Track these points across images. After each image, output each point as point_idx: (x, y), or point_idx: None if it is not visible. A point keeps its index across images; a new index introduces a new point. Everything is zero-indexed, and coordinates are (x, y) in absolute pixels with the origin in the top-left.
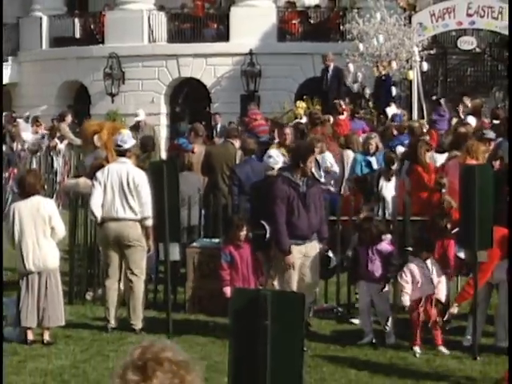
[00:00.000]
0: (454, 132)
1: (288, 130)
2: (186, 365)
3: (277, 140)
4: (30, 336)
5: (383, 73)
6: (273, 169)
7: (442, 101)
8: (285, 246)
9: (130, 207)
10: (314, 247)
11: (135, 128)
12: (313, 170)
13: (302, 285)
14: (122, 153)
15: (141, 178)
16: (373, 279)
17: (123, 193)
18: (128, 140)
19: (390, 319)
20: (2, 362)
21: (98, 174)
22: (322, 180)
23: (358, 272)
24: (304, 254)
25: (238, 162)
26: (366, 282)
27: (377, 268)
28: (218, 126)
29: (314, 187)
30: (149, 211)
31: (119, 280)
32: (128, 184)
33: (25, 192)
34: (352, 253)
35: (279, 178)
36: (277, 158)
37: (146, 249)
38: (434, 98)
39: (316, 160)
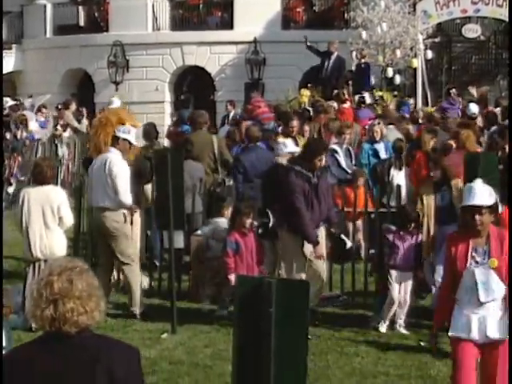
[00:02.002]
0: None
1: (295, 123)
2: (91, 294)
3: (280, 128)
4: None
5: (363, 60)
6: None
7: (453, 91)
8: (313, 237)
9: (108, 196)
10: (321, 232)
11: None
12: (341, 159)
13: (309, 272)
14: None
15: (118, 168)
16: (406, 268)
17: (101, 182)
18: (124, 131)
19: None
20: (1, 353)
21: (89, 168)
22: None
23: (393, 261)
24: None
25: (216, 148)
26: (399, 271)
27: (411, 256)
28: (231, 114)
29: (324, 178)
30: (126, 200)
31: (112, 268)
32: (105, 173)
33: (38, 179)
34: (383, 242)
35: (293, 172)
36: (290, 147)
37: (131, 235)
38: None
39: (348, 149)
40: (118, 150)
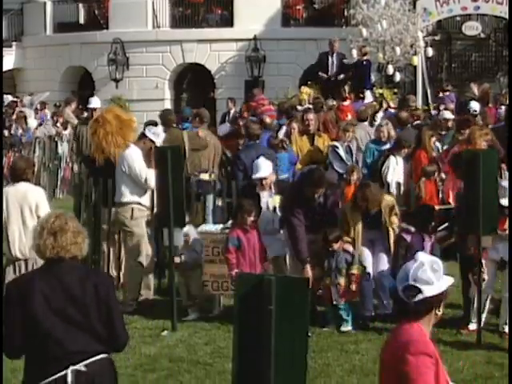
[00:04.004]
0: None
1: (311, 116)
2: (79, 231)
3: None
4: None
5: (364, 58)
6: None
7: (450, 87)
8: (304, 262)
9: (120, 192)
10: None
11: (87, 119)
12: (342, 153)
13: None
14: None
15: (131, 162)
16: None
17: (118, 179)
18: (154, 133)
19: None
20: (1, 356)
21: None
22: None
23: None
24: (313, 240)
25: (187, 145)
26: None
27: None
28: (232, 111)
29: (332, 196)
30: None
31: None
32: (121, 170)
33: (14, 177)
34: (399, 242)
35: (294, 195)
36: (262, 171)
37: (142, 233)
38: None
39: (349, 146)
40: (137, 147)
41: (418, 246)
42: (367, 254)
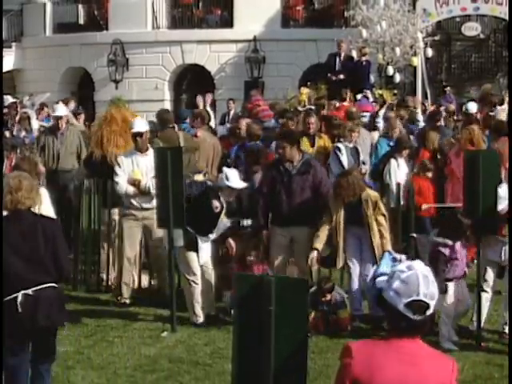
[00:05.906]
0: None
1: (313, 119)
2: (31, 188)
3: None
4: None
5: (364, 59)
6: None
7: (448, 88)
8: (259, 223)
9: None
10: (302, 232)
11: (53, 130)
12: (343, 158)
13: (293, 270)
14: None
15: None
16: (462, 275)
17: None
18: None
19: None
20: (1, 356)
21: None
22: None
23: (452, 273)
24: (291, 238)
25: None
26: (455, 282)
27: (464, 263)
28: (232, 112)
29: (307, 174)
30: None
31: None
32: None
33: None
34: (438, 257)
35: (272, 162)
36: (233, 181)
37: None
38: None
39: (355, 148)
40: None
41: (458, 255)
42: (354, 265)
